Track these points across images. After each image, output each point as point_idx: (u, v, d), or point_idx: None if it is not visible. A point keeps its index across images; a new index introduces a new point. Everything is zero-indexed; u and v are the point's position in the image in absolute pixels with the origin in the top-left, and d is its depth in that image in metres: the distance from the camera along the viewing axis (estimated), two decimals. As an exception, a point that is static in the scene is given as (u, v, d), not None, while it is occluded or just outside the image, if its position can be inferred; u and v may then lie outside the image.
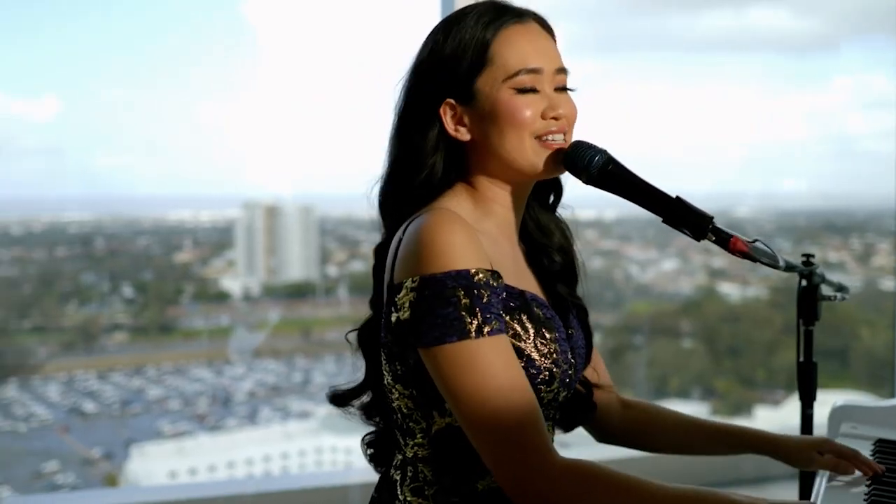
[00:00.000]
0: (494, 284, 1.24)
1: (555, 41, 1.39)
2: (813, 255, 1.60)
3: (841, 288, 1.69)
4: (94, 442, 7.03)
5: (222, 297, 7.29)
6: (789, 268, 1.49)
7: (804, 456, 1.44)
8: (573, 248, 1.48)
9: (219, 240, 6.15)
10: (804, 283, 1.62)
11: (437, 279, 1.21)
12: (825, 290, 1.65)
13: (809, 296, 1.63)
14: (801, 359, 1.63)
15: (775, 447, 1.47)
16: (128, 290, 5.69)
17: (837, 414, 1.61)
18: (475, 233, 1.26)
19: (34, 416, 5.45)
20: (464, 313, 1.21)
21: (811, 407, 1.61)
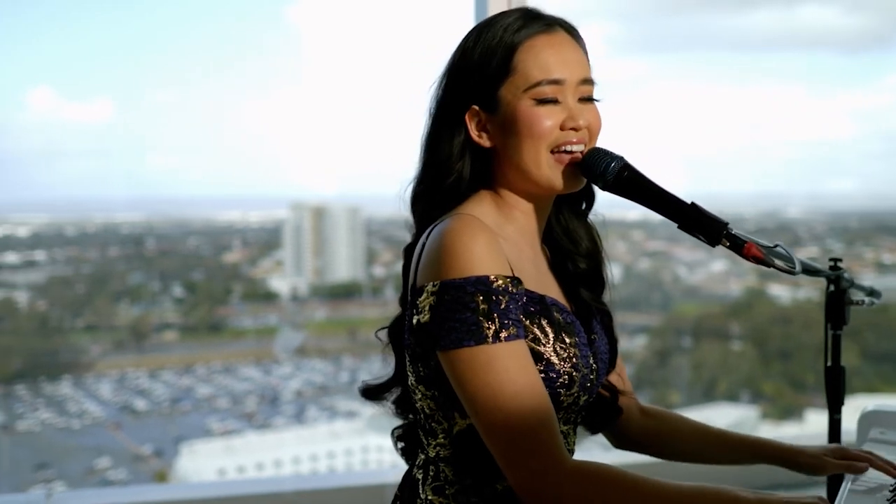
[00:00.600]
0: (514, 290, 1.23)
1: (585, 51, 1.37)
2: (840, 260, 1.59)
3: (872, 293, 1.67)
4: (144, 439, 7.14)
5: (270, 297, 7.35)
6: (812, 272, 1.50)
7: (818, 463, 1.43)
8: (601, 255, 1.47)
9: (267, 240, 6.20)
10: (832, 287, 1.60)
11: (456, 284, 1.21)
12: (854, 294, 1.63)
13: (837, 300, 1.60)
14: (829, 363, 1.61)
15: (790, 457, 1.46)
16: (178, 290, 5.77)
17: (867, 419, 1.58)
18: (497, 239, 1.25)
19: (87, 413, 5.55)
20: (482, 318, 1.20)
21: (839, 412, 1.58)
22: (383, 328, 1.44)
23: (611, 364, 1.47)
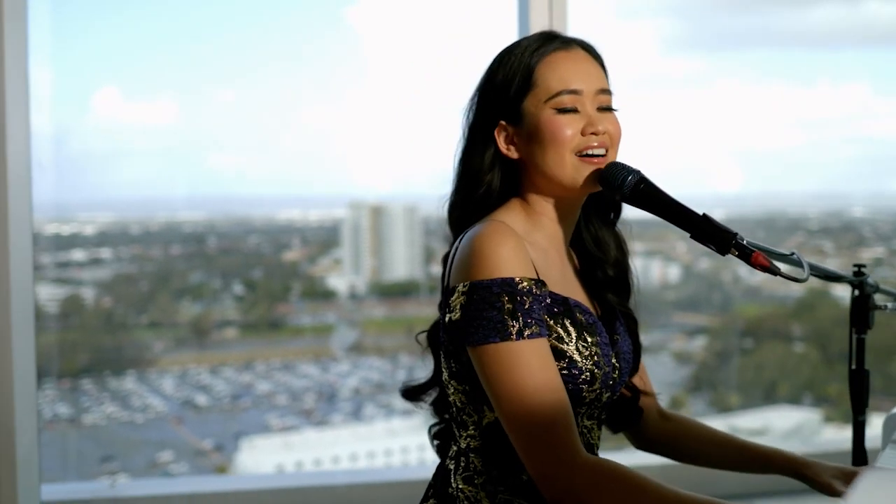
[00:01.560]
0: (537, 292, 1.34)
1: (603, 66, 1.48)
2: (864, 266, 1.69)
3: None
4: (205, 434, 7.26)
5: (329, 295, 7.43)
6: (835, 279, 1.64)
7: (824, 483, 1.47)
8: (628, 262, 1.57)
9: (326, 239, 6.28)
10: (856, 292, 1.69)
11: (484, 285, 1.32)
12: (879, 299, 1.71)
13: (861, 305, 1.68)
14: (853, 366, 1.66)
15: (804, 472, 1.51)
16: (238, 288, 5.86)
17: (891, 422, 1.62)
18: (523, 244, 1.36)
19: (150, 408, 5.67)
20: (507, 317, 1.30)
21: (863, 413, 1.63)
22: (423, 332, 1.56)
23: (634, 365, 1.55)
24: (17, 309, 2.98)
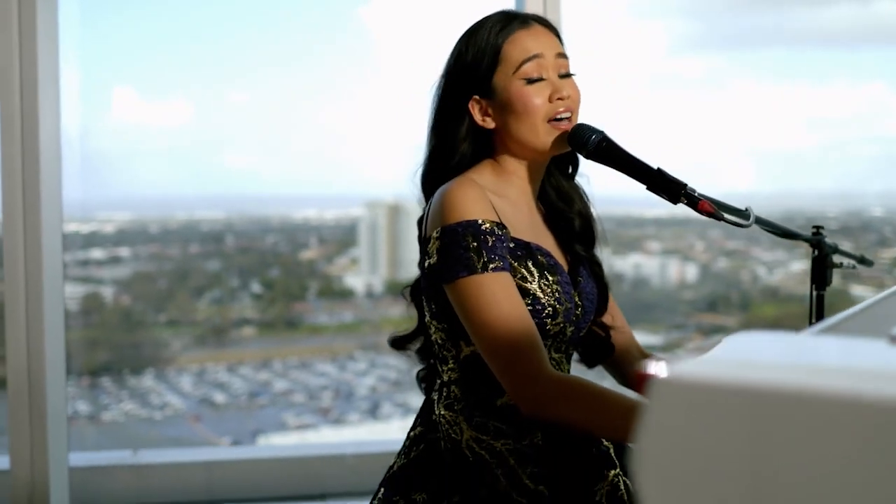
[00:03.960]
0: (499, 233, 1.53)
1: (558, 36, 1.66)
2: (823, 227, 1.82)
3: (863, 260, 1.89)
4: (223, 431, 7.30)
5: (346, 294, 7.45)
6: (794, 237, 1.75)
7: None
8: (590, 211, 1.75)
9: (343, 238, 6.30)
10: (815, 252, 1.82)
11: (452, 228, 1.51)
12: (837, 259, 1.84)
13: (820, 263, 1.82)
14: (812, 322, 1.81)
15: None
16: (256, 287, 5.89)
17: None
18: (485, 194, 1.56)
19: (168, 405, 5.71)
20: (472, 254, 1.49)
21: None
22: (407, 287, 1.77)
23: (600, 305, 1.73)
24: (49, 306, 3.14)
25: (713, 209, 1.50)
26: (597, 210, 1.77)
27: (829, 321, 0.95)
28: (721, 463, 0.71)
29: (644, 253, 5.64)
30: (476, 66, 1.61)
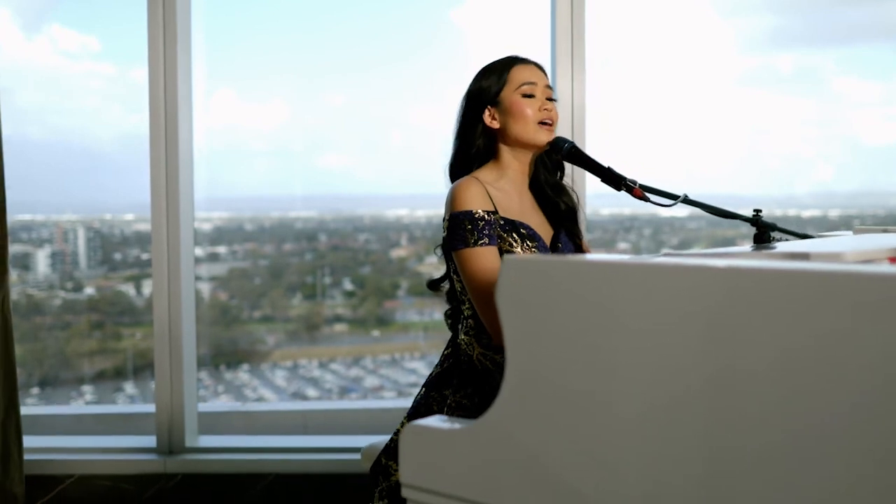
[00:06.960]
0: (489, 219, 2.18)
1: (546, 75, 2.35)
2: (761, 210, 2.12)
3: (804, 236, 2.12)
4: (315, 426, 7.42)
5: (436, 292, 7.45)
6: (733, 217, 2.08)
7: None
8: (574, 202, 2.40)
9: (432, 237, 6.35)
10: (755, 231, 2.12)
11: (456, 214, 2.18)
12: (777, 235, 2.09)
13: (759, 241, 2.10)
14: None
15: None
16: (347, 284, 5.99)
17: None
18: (483, 188, 2.20)
19: (263, 400, 5.85)
20: (467, 234, 2.15)
21: None
22: (438, 246, 2.33)
23: None
24: (185, 299, 3.83)
25: (641, 194, 2.15)
26: (584, 208, 2.42)
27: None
28: (564, 324, 1.29)
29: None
30: (490, 87, 2.30)
